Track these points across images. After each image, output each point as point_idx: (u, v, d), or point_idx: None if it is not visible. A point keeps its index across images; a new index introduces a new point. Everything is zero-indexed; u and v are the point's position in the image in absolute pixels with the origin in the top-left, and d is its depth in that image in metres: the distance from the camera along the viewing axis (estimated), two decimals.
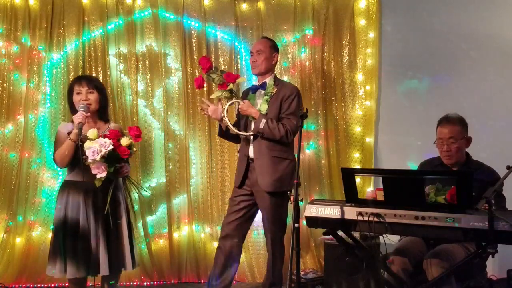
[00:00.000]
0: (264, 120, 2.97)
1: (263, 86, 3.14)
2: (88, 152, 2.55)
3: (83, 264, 2.66)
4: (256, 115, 3.00)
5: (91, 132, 2.63)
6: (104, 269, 2.68)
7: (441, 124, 2.75)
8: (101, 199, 2.71)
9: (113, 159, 2.61)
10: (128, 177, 2.86)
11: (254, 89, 3.17)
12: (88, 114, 2.71)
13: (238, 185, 3.16)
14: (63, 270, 2.67)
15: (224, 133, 3.19)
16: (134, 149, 2.74)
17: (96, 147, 2.54)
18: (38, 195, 3.78)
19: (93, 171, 2.59)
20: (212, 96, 3.11)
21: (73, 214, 2.71)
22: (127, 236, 2.80)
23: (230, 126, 3.06)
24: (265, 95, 3.10)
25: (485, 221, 2.02)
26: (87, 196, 2.70)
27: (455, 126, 2.69)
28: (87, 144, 2.57)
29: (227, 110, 3.04)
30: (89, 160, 2.56)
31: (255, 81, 3.41)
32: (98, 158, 2.53)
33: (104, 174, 2.59)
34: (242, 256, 3.29)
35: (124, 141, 2.67)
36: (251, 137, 3.09)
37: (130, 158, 2.82)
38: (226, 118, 3.04)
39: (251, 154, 3.10)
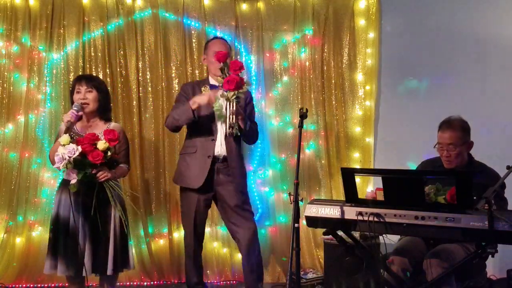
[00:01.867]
0: (248, 122, 3.05)
1: None
2: (56, 159, 2.52)
3: (72, 262, 2.66)
4: (242, 116, 3.01)
5: (63, 138, 2.57)
6: (87, 269, 2.65)
7: (441, 129, 2.71)
8: (91, 199, 2.65)
9: (82, 165, 2.54)
10: (108, 181, 2.69)
11: (212, 89, 3.10)
12: (80, 113, 2.70)
13: (199, 186, 3.06)
14: (54, 267, 2.68)
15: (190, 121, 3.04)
16: (109, 153, 2.62)
17: (61, 154, 2.49)
18: (38, 195, 3.78)
19: (66, 177, 2.58)
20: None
21: (65, 213, 2.71)
22: (112, 238, 2.72)
23: (231, 124, 2.97)
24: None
25: (485, 221, 2.02)
26: (77, 195, 2.67)
27: (456, 132, 2.65)
28: (58, 150, 2.54)
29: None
30: (55, 167, 2.54)
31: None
32: (61, 165, 2.49)
33: (74, 181, 2.55)
34: (242, 256, 3.29)
35: (101, 144, 2.58)
36: (219, 137, 3.07)
37: (108, 160, 2.67)
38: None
39: (218, 153, 3.07)
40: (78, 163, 2.52)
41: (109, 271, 2.70)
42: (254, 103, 3.37)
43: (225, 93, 2.85)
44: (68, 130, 2.63)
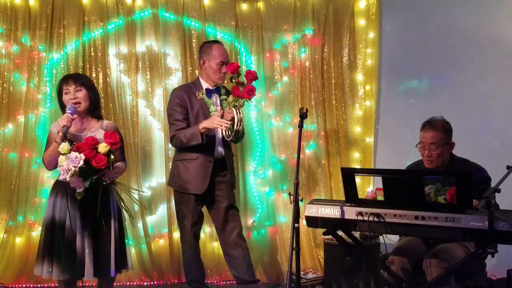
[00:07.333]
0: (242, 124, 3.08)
1: (217, 91, 3.17)
2: (59, 170, 2.46)
3: (67, 265, 2.60)
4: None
5: (62, 147, 2.48)
6: (88, 273, 2.60)
7: (424, 129, 2.74)
8: (89, 202, 2.59)
9: (88, 172, 2.46)
10: (114, 183, 2.69)
11: (209, 94, 3.14)
12: (75, 116, 2.63)
13: (203, 191, 3.11)
14: (50, 271, 2.62)
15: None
16: (112, 156, 2.56)
17: (65, 165, 2.41)
18: (38, 195, 3.78)
19: (72, 185, 2.48)
20: (229, 101, 3.05)
21: (61, 215, 2.64)
22: (113, 240, 2.68)
23: (238, 130, 3.01)
24: (226, 100, 3.10)
25: (485, 221, 2.03)
26: (74, 197, 2.58)
27: (438, 133, 2.67)
28: (59, 160, 2.46)
29: None
30: (60, 178, 2.47)
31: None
32: (68, 177, 2.41)
33: (81, 189, 2.47)
34: (228, 254, 3.32)
35: (102, 148, 2.51)
36: (221, 140, 3.16)
37: (111, 163, 2.61)
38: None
39: (217, 157, 3.16)
40: (84, 171, 2.45)
41: (112, 273, 2.67)
42: (254, 102, 3.43)
43: (241, 100, 2.95)
44: (64, 135, 2.55)
